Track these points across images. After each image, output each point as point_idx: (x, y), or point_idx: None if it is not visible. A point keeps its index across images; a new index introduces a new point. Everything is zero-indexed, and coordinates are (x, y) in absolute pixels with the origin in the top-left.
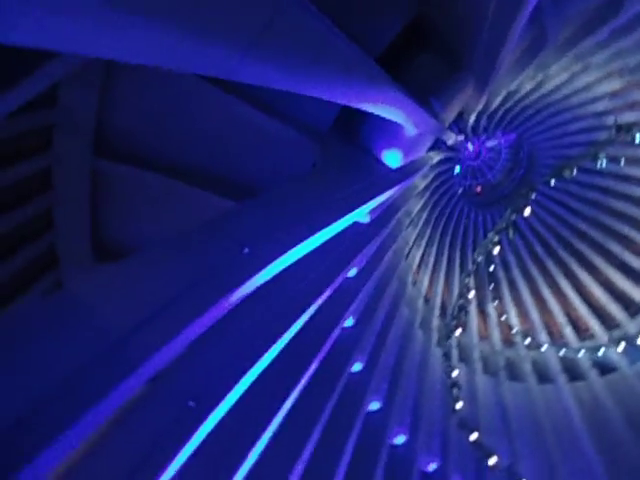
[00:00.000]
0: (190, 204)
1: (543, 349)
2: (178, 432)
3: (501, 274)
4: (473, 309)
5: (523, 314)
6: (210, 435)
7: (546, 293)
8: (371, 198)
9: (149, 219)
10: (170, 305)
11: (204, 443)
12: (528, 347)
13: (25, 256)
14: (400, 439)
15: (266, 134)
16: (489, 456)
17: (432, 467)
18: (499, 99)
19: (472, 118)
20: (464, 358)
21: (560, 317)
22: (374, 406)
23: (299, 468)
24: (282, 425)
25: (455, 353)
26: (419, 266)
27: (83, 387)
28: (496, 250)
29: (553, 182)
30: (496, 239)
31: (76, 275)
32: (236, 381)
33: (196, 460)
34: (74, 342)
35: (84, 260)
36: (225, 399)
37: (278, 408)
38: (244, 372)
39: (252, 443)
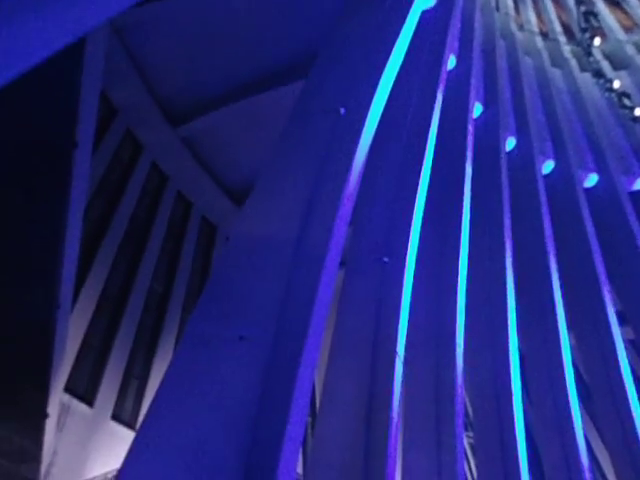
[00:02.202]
0: (280, 103)
1: None
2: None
3: None
4: (602, 6)
5: None
6: None
7: None
8: None
9: (254, 142)
10: (316, 187)
11: None
12: None
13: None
14: (593, 179)
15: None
16: None
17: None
18: None
19: None
20: (619, 64)
21: None
22: (548, 166)
23: None
24: None
25: (606, 65)
26: (516, 7)
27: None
28: None
29: None
30: None
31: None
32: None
33: None
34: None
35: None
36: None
37: None
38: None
39: None
